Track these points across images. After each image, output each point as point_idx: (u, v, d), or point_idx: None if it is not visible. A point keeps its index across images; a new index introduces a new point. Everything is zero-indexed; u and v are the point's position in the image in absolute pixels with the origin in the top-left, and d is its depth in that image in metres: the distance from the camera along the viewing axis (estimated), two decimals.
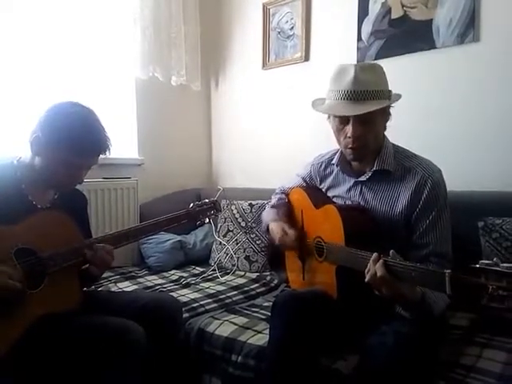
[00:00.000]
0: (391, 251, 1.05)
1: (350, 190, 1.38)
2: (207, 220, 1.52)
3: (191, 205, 1.49)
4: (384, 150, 1.30)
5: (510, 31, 1.77)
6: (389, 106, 1.27)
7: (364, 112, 1.19)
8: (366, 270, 1.07)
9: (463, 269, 0.86)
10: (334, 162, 1.43)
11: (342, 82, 1.22)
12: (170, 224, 1.41)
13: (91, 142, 1.24)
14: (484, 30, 1.83)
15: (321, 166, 1.52)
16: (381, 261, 1.04)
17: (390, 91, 1.26)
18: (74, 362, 1.13)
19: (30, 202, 1.26)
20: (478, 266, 0.84)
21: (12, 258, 1.09)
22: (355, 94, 1.20)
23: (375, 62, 1.37)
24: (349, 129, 1.23)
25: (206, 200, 1.54)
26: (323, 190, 1.51)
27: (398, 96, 1.27)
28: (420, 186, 1.23)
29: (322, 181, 1.51)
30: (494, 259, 0.83)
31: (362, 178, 1.33)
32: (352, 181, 1.37)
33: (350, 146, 1.26)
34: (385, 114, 1.27)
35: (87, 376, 1.12)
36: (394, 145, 1.34)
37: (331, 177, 1.47)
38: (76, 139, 1.21)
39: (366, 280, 1.07)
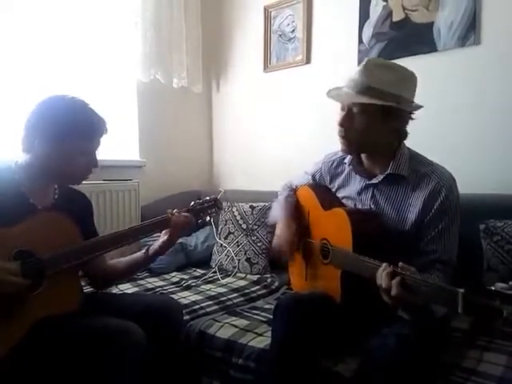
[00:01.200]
0: (400, 263, 1.02)
1: (361, 192, 1.36)
2: (208, 218, 1.51)
3: (192, 203, 1.48)
4: (399, 154, 1.28)
5: (511, 34, 1.77)
6: (392, 110, 1.21)
7: (342, 100, 1.26)
8: (379, 283, 1.03)
9: (477, 289, 0.84)
10: (346, 160, 1.42)
11: (356, 72, 1.26)
12: (169, 224, 1.39)
13: (97, 123, 1.28)
14: (485, 33, 1.83)
15: (332, 164, 1.49)
16: (398, 278, 0.99)
17: (398, 96, 1.21)
18: (74, 363, 1.13)
19: (31, 205, 1.26)
20: (493, 288, 0.82)
21: (11, 261, 1.09)
22: (355, 85, 1.23)
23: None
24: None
25: (207, 198, 1.53)
26: (333, 189, 1.48)
27: (411, 106, 1.24)
28: (433, 194, 1.21)
29: (332, 180, 1.49)
30: (510, 283, 0.82)
31: (374, 181, 1.32)
32: (363, 182, 1.35)
33: (338, 133, 1.30)
34: (381, 115, 1.23)
35: (87, 377, 1.12)
36: (409, 149, 1.32)
37: (342, 176, 1.45)
38: (85, 125, 1.25)
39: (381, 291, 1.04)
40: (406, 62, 2.00)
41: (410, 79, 1.26)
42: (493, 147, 1.83)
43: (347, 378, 1.19)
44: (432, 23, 1.96)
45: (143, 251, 1.43)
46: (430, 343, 1.13)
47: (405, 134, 1.32)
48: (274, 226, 1.57)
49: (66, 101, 1.26)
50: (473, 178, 1.83)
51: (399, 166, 1.27)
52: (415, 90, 1.27)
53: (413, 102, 1.26)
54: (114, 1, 2.35)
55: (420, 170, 1.27)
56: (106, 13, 2.34)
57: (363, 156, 1.36)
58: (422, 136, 1.95)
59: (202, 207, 1.49)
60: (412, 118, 1.27)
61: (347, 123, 1.26)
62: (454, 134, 1.93)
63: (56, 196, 1.35)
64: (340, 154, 1.48)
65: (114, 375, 1.11)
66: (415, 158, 1.31)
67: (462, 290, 0.86)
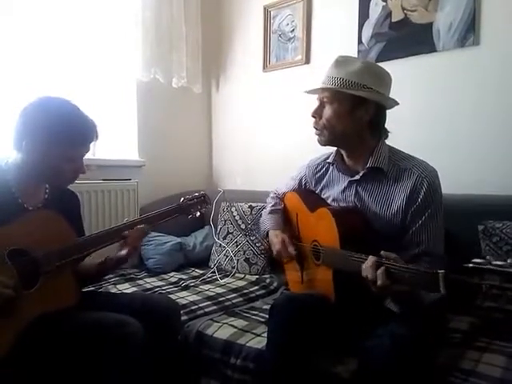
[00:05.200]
0: (382, 252, 1.06)
1: (344, 190, 1.38)
2: (198, 213, 1.53)
3: (182, 199, 1.50)
4: (377, 149, 1.31)
5: (510, 35, 1.77)
6: (356, 99, 1.26)
7: (308, 90, 1.35)
8: (364, 275, 1.06)
9: (456, 268, 0.86)
10: (329, 160, 1.45)
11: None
12: (161, 219, 1.41)
13: (88, 130, 1.27)
14: (484, 34, 1.83)
15: (316, 167, 1.52)
16: (382, 268, 1.03)
17: (361, 84, 1.25)
18: (74, 358, 1.13)
19: (21, 206, 1.26)
20: (471, 265, 0.84)
21: (5, 260, 1.09)
22: (325, 79, 1.32)
23: (377, 63, 1.38)
24: None
25: (196, 194, 1.55)
26: (318, 191, 1.51)
27: (378, 97, 1.27)
28: (417, 186, 1.23)
29: (316, 183, 1.52)
30: (487, 257, 0.83)
31: (356, 177, 1.34)
32: (346, 180, 1.38)
33: (312, 125, 1.36)
34: (346, 103, 1.27)
35: (88, 371, 1.13)
36: (390, 147, 1.35)
37: (326, 177, 1.48)
38: (75, 134, 1.24)
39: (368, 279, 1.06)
40: (405, 63, 2.04)
41: (376, 72, 1.30)
42: (492, 148, 1.83)
43: (345, 378, 1.19)
44: (431, 24, 1.95)
45: (101, 260, 1.38)
46: (426, 343, 1.13)
47: (383, 132, 1.35)
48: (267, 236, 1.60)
49: (58, 106, 1.25)
50: (472, 178, 1.83)
51: (378, 160, 1.30)
52: (386, 85, 1.31)
53: (382, 94, 1.28)
54: (114, 0, 2.34)
55: (400, 164, 1.30)
56: (106, 12, 2.33)
57: (344, 154, 1.39)
58: (421, 136, 1.97)
59: (192, 203, 1.51)
60: (379, 112, 1.30)
61: (318, 114, 1.33)
62: (453, 135, 1.93)
63: (46, 196, 1.35)
64: (324, 156, 1.51)
65: (114, 367, 1.11)
66: (395, 153, 1.34)
67: (442, 271, 0.89)
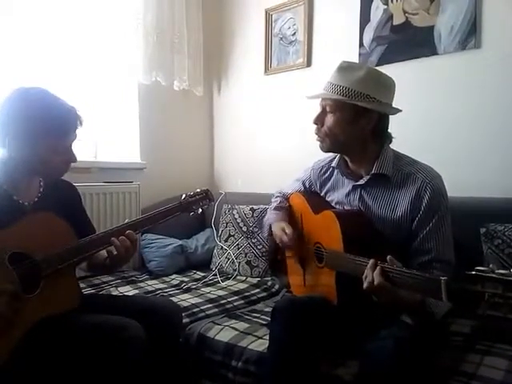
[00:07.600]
0: (388, 257, 1.05)
1: (349, 194, 1.38)
2: (200, 210, 1.49)
3: (183, 196, 1.46)
4: (383, 155, 1.30)
5: (511, 38, 1.77)
6: (358, 108, 1.24)
7: (309, 96, 1.34)
8: (364, 277, 1.07)
9: (459, 276, 0.86)
10: (333, 164, 1.45)
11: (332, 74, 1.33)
12: (163, 218, 1.37)
13: (71, 119, 1.25)
14: (485, 37, 1.83)
15: (321, 170, 1.52)
16: (378, 268, 1.04)
17: (364, 94, 1.23)
18: (75, 360, 1.13)
19: (16, 202, 1.24)
20: (473, 272, 0.83)
21: (5, 264, 1.08)
22: (328, 85, 1.30)
23: (378, 68, 1.38)
24: None
25: (198, 190, 1.50)
26: (323, 194, 1.51)
27: (380, 106, 1.25)
28: (420, 192, 1.23)
29: (321, 186, 1.51)
30: (490, 265, 0.83)
31: (361, 182, 1.34)
32: (351, 184, 1.38)
33: (314, 131, 1.35)
34: (348, 113, 1.26)
35: (89, 374, 1.12)
36: (395, 152, 1.35)
37: (331, 180, 1.48)
38: (59, 123, 1.21)
39: (364, 287, 1.07)
40: (407, 66, 2.04)
41: (380, 80, 1.28)
42: (493, 150, 1.83)
43: (347, 381, 1.19)
44: (432, 27, 1.96)
45: (105, 256, 1.35)
46: (427, 346, 1.13)
47: (387, 137, 1.34)
48: (270, 232, 1.60)
49: (37, 97, 1.21)
50: (473, 181, 1.83)
51: (383, 166, 1.29)
52: (390, 93, 1.29)
53: (386, 103, 1.27)
54: (115, 3, 2.35)
55: (404, 169, 1.29)
56: (107, 15, 2.34)
57: (348, 158, 1.39)
58: (422, 139, 1.97)
59: (194, 199, 1.47)
60: (382, 120, 1.29)
61: (320, 121, 1.32)
62: (454, 137, 1.93)
63: (41, 189, 1.33)
64: (328, 159, 1.51)
65: (115, 370, 1.11)
66: (400, 158, 1.33)
67: (444, 278, 0.88)
